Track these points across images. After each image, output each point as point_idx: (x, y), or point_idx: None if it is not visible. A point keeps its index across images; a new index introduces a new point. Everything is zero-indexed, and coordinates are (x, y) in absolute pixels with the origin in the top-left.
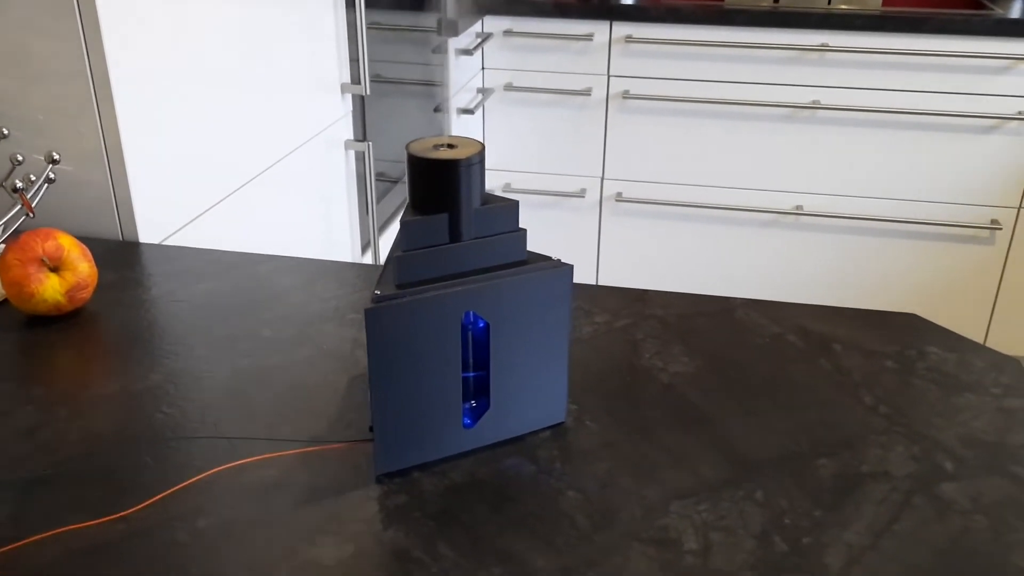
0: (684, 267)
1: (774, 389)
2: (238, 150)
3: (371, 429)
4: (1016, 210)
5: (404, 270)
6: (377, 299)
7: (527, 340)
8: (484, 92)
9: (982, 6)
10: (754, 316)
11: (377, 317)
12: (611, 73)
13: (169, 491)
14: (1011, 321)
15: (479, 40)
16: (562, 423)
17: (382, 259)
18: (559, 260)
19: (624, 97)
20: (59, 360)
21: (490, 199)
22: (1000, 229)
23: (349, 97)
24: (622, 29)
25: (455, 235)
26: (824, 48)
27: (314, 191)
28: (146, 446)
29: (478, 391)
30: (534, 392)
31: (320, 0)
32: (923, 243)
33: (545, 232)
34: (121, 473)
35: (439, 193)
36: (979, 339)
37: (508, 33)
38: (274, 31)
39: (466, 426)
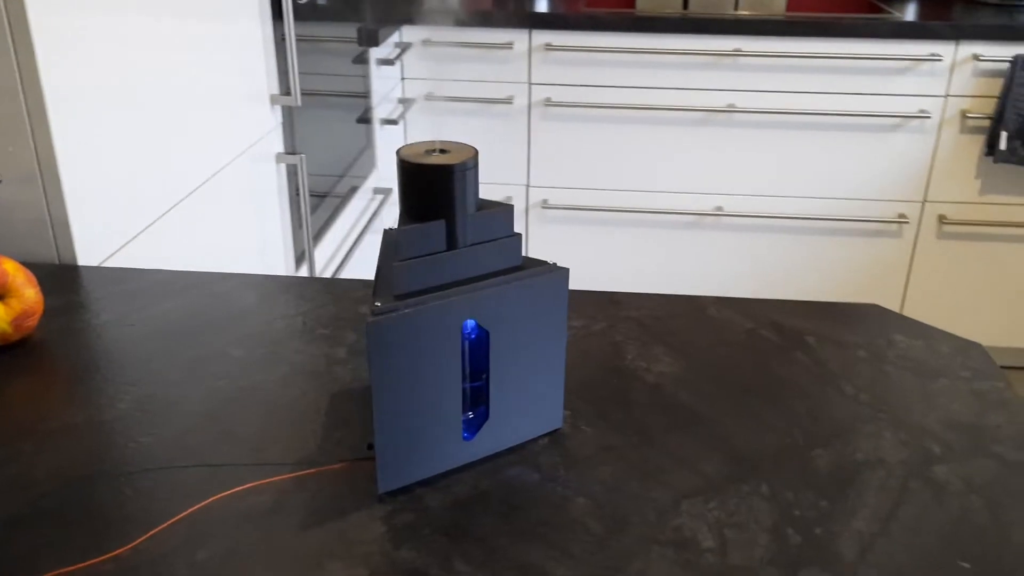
0: (611, 271)
1: (759, 384)
2: (173, 166)
3: (369, 447)
4: (921, 204)
5: (402, 280)
6: (378, 311)
7: (526, 347)
8: (405, 102)
9: (878, 9)
10: (726, 313)
11: (379, 330)
12: (532, 81)
13: (160, 527)
14: (921, 310)
15: (399, 50)
16: (559, 429)
17: (318, 272)
18: (555, 264)
19: (546, 105)
20: (13, 392)
21: (484, 204)
22: (907, 223)
23: (279, 109)
24: (541, 37)
25: (451, 242)
26: (737, 53)
27: (247, 205)
28: (125, 479)
29: (475, 401)
30: (532, 399)
31: (247, 11)
32: (836, 238)
33: None
34: (103, 509)
35: (435, 199)
36: None
37: (427, 43)
38: (203, 44)
39: (465, 438)
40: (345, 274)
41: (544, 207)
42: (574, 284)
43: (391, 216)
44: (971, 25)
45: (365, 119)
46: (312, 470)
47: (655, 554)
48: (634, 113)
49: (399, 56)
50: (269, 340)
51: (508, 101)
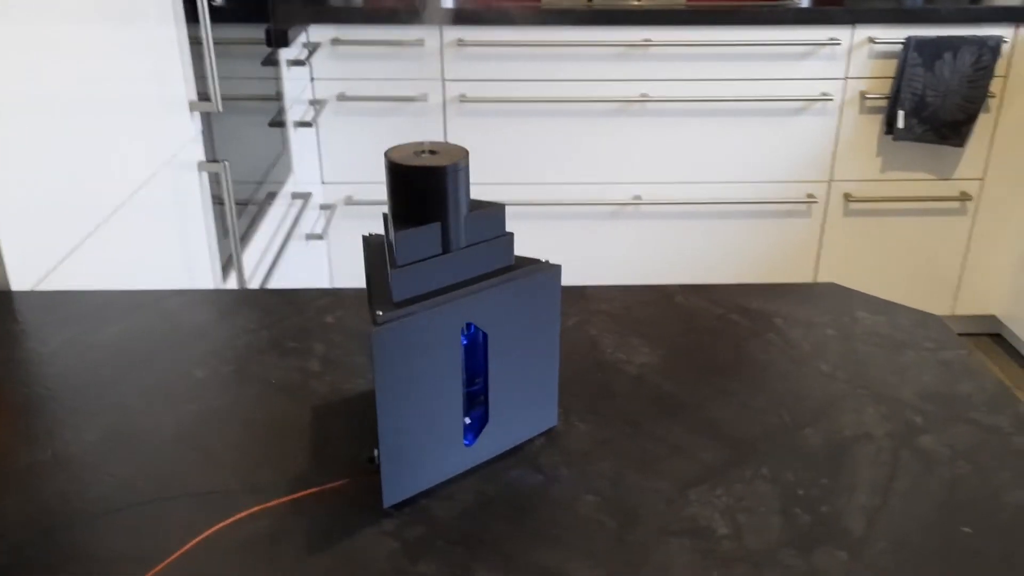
0: None
1: (738, 368)
2: (96, 182)
3: (371, 460)
4: (827, 183)
5: (401, 286)
6: (381, 320)
7: (522, 346)
8: (316, 104)
9: None
10: (693, 300)
11: (385, 339)
12: (446, 78)
13: (159, 567)
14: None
15: (309, 51)
16: (553, 427)
17: (247, 281)
18: (547, 261)
19: (461, 101)
20: None
21: (475, 204)
22: (815, 202)
23: (198, 116)
24: (453, 33)
25: (446, 244)
26: (647, 43)
27: (172, 217)
28: (110, 517)
29: (472, 405)
30: (529, 399)
31: (159, 15)
32: (751, 220)
33: None
34: (92, 553)
35: (429, 201)
36: None
37: (336, 42)
38: (117, 51)
39: (466, 444)
40: (274, 283)
41: None
42: None
43: (312, 221)
44: (865, 9)
45: (279, 122)
46: (311, 490)
47: (673, 545)
48: (549, 106)
49: (309, 57)
50: (234, 357)
51: (423, 99)
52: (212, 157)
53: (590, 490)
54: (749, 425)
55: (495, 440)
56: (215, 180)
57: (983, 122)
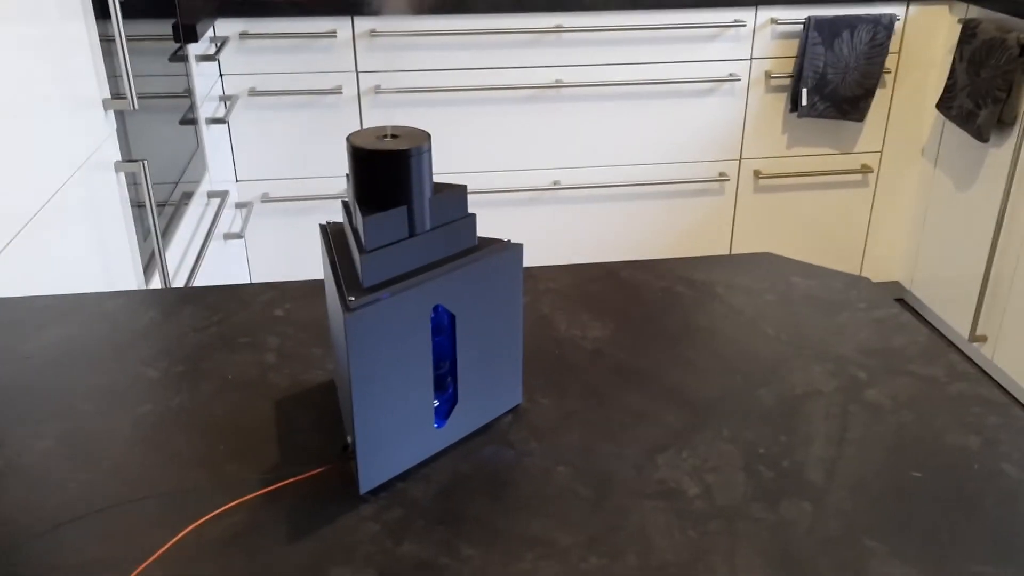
0: None
1: (689, 336)
2: (8, 189)
3: (345, 448)
4: (738, 161)
5: (370, 271)
6: (354, 305)
7: (488, 327)
8: (227, 100)
9: None
10: (638, 275)
11: (359, 323)
12: (359, 69)
13: (138, 569)
14: None
15: (218, 45)
16: (519, 405)
17: (171, 284)
18: (508, 240)
19: (376, 92)
20: None
21: (438, 187)
22: (728, 180)
23: (112, 115)
24: (364, 24)
25: (412, 228)
26: (559, 29)
27: (91, 219)
28: (74, 524)
29: (440, 387)
30: (495, 379)
31: (65, 12)
32: (667, 200)
33: (315, 236)
34: (60, 561)
35: (393, 185)
36: None
37: (244, 36)
38: (25, 50)
39: (437, 426)
40: (203, 283)
41: None
42: None
43: (230, 220)
44: None
45: (190, 120)
46: (285, 481)
47: (648, 507)
48: (464, 95)
49: (218, 52)
50: (185, 356)
51: (336, 91)
52: (128, 157)
53: (562, 461)
54: (706, 389)
55: (465, 420)
56: (132, 181)
57: (880, 97)
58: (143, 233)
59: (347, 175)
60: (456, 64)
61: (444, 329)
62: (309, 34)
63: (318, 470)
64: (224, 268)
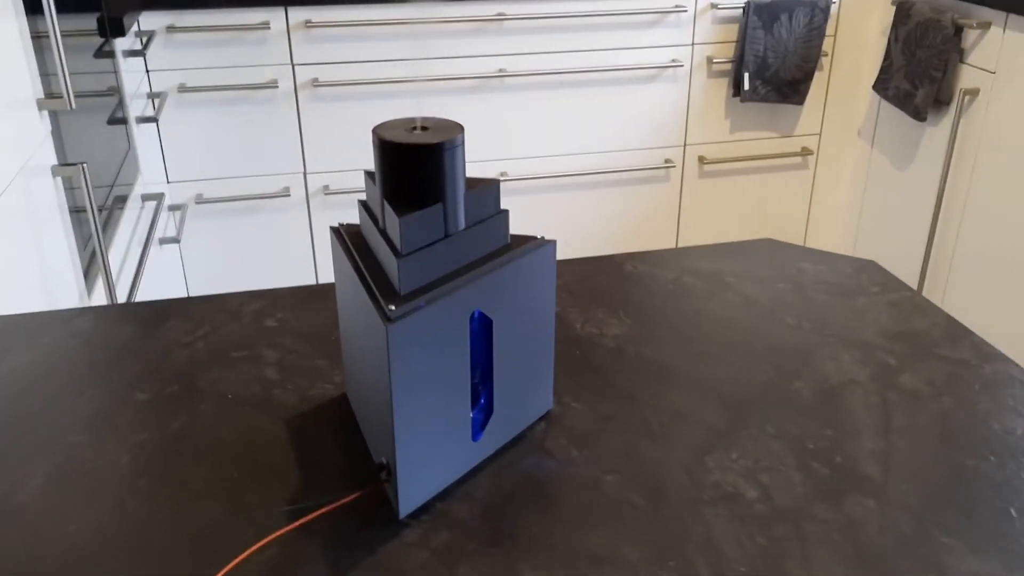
0: None
1: (709, 328)
2: None
3: (380, 468)
4: (682, 148)
5: (408, 276)
6: (395, 315)
7: (523, 330)
8: (155, 97)
9: None
10: (642, 268)
11: (399, 335)
12: (295, 62)
13: None
14: (693, 244)
15: (144, 40)
16: (550, 411)
17: (119, 292)
18: (542, 237)
19: (314, 85)
20: None
21: (471, 182)
22: (673, 166)
23: (47, 116)
24: (299, 14)
25: (447, 227)
26: (501, 17)
27: (27, 229)
28: (83, 572)
29: (474, 397)
30: (529, 385)
31: None
32: (614, 189)
33: (254, 238)
34: None
35: (427, 182)
36: None
37: (172, 29)
38: None
39: (473, 440)
40: (143, 292)
41: (327, 193)
42: None
43: (164, 224)
44: None
45: (120, 119)
46: (320, 511)
47: (709, 514)
48: (406, 87)
49: (146, 47)
50: (176, 374)
51: (273, 85)
52: (64, 160)
53: (608, 469)
54: (740, 384)
55: (500, 431)
56: (67, 185)
57: (818, 80)
58: (82, 241)
59: (367, 172)
60: (397, 55)
61: (478, 335)
62: (240, 26)
63: (353, 496)
64: (159, 275)
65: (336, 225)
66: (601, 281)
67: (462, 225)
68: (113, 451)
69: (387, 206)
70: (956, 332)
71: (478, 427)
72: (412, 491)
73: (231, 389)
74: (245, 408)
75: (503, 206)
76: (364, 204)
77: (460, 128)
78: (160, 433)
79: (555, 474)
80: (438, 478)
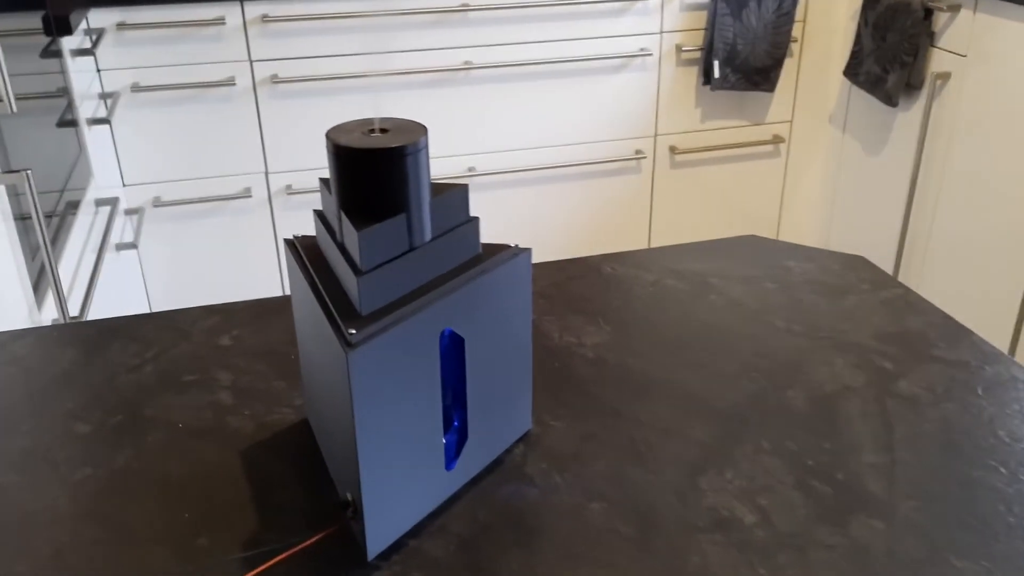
0: None
1: (695, 334)
2: None
3: (344, 506)
4: (653, 138)
5: (369, 295)
6: (356, 340)
7: (498, 347)
8: (107, 97)
9: None
10: (621, 269)
11: (362, 362)
12: (253, 58)
13: None
14: (664, 236)
15: (93, 39)
16: (529, 431)
17: (70, 306)
18: (516, 246)
19: (274, 82)
20: None
21: (436, 188)
22: (644, 157)
23: None
24: (256, 9)
25: (411, 239)
26: (465, 8)
27: None
28: None
29: (446, 422)
30: (505, 406)
31: None
32: (585, 181)
33: (216, 241)
34: None
35: (388, 190)
36: None
37: (122, 26)
38: None
39: (447, 468)
40: (98, 302)
41: (290, 192)
42: None
43: (120, 229)
44: None
45: (70, 121)
46: (279, 557)
47: (705, 542)
48: (369, 81)
49: (95, 45)
50: (120, 402)
51: (230, 83)
52: (7, 167)
53: (593, 495)
54: (730, 394)
55: (476, 457)
56: (12, 193)
57: (788, 66)
58: (30, 251)
59: (322, 180)
60: (359, 49)
61: (448, 354)
62: (194, 22)
63: (314, 538)
64: (117, 282)
65: (291, 237)
66: (578, 285)
67: (428, 236)
68: (50, 492)
69: (344, 218)
70: (953, 331)
71: (452, 454)
72: (381, 529)
73: (181, 417)
74: (197, 438)
75: (473, 204)
76: (320, 214)
77: (423, 129)
78: (103, 469)
79: (536, 503)
80: (409, 513)
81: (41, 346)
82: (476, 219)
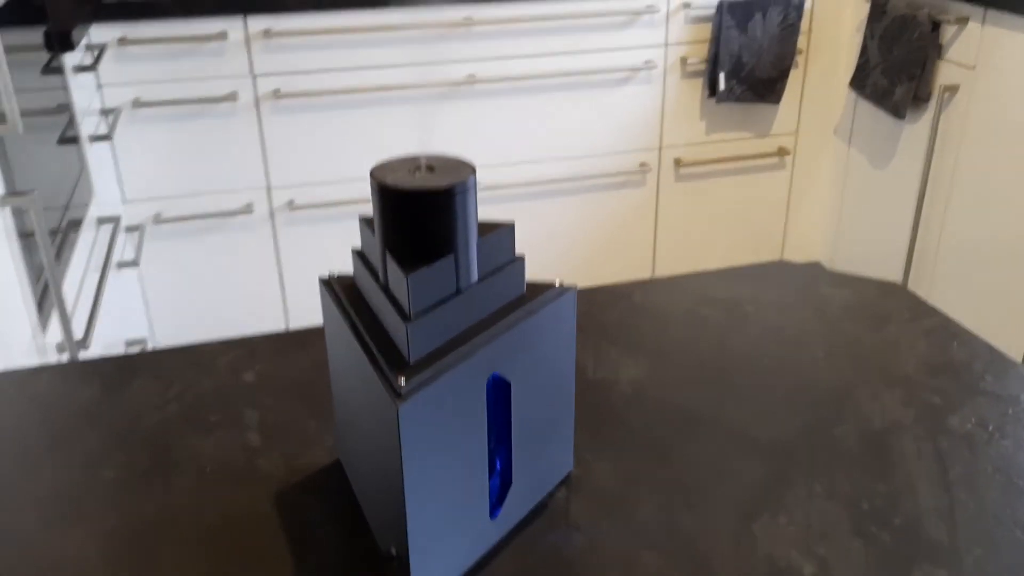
0: None
1: (735, 366)
2: None
3: (392, 556)
4: (658, 151)
5: (419, 342)
6: (406, 390)
7: (542, 389)
8: (108, 113)
9: None
10: (653, 297)
11: (413, 413)
12: (256, 73)
13: None
14: (671, 248)
15: (95, 55)
16: (570, 472)
17: (76, 324)
18: (560, 283)
19: (276, 97)
20: None
21: (483, 227)
22: (649, 170)
23: None
24: (258, 23)
25: (459, 281)
26: (469, 22)
27: None
28: None
29: (490, 466)
30: (549, 448)
31: None
32: (590, 195)
33: (217, 257)
34: None
35: (437, 232)
36: (646, 271)
37: (124, 42)
38: None
39: (492, 517)
40: (101, 322)
41: (292, 209)
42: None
43: (121, 247)
44: None
45: (71, 139)
46: None
47: None
48: (373, 95)
49: (97, 60)
50: (147, 444)
51: (232, 98)
52: (12, 188)
53: (644, 542)
54: (776, 431)
55: (520, 503)
56: (18, 215)
57: (794, 78)
58: (33, 271)
59: (363, 218)
60: (362, 63)
61: (492, 397)
62: (197, 37)
63: None
64: (119, 301)
65: (326, 276)
66: (610, 315)
67: (475, 277)
68: (78, 541)
69: (390, 260)
70: (999, 363)
71: (496, 501)
72: None
73: (210, 460)
74: (227, 482)
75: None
76: (360, 254)
77: (471, 168)
78: (132, 517)
79: (584, 551)
80: (455, 564)
81: (60, 383)
82: (522, 258)
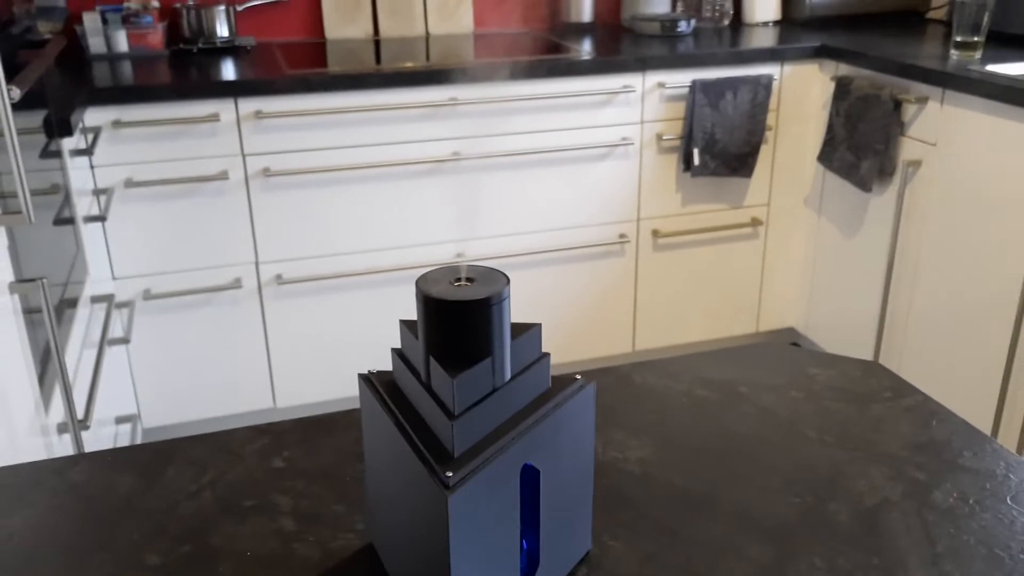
0: (362, 337)
1: (733, 448)
2: None
3: None
4: (636, 222)
5: (463, 437)
6: (453, 481)
7: (566, 476)
8: (101, 193)
9: (559, 48)
10: (651, 378)
11: (461, 503)
12: (246, 152)
13: None
14: (650, 317)
15: (89, 139)
16: (589, 551)
17: (78, 410)
18: (579, 378)
19: (266, 175)
20: None
21: (516, 329)
22: (628, 241)
23: (3, 232)
24: (249, 105)
25: (494, 381)
26: (454, 102)
27: None
28: None
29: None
30: (571, 530)
31: None
32: (571, 265)
33: (205, 331)
34: None
35: (476, 338)
36: (627, 342)
37: (118, 124)
38: None
39: None
40: (100, 400)
41: (280, 283)
42: (319, 361)
43: (119, 326)
44: (654, 57)
45: (67, 219)
46: None
47: None
48: (360, 173)
49: (93, 144)
50: (186, 531)
51: (223, 177)
52: (21, 275)
53: None
54: (775, 510)
55: None
56: (24, 299)
57: (764, 153)
58: (37, 348)
59: (404, 322)
60: (350, 141)
61: (523, 485)
62: (189, 119)
63: None
64: (108, 379)
65: (367, 373)
66: (611, 397)
67: (508, 376)
68: None
69: (434, 364)
70: (975, 439)
71: None
72: None
73: (248, 546)
74: (266, 568)
75: None
76: (400, 353)
77: (506, 279)
78: None
79: None
80: None
81: (97, 472)
82: (547, 355)
